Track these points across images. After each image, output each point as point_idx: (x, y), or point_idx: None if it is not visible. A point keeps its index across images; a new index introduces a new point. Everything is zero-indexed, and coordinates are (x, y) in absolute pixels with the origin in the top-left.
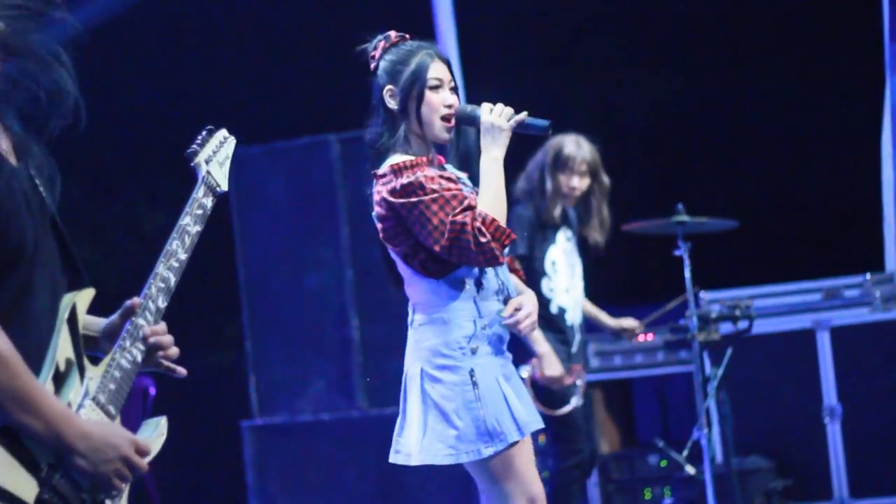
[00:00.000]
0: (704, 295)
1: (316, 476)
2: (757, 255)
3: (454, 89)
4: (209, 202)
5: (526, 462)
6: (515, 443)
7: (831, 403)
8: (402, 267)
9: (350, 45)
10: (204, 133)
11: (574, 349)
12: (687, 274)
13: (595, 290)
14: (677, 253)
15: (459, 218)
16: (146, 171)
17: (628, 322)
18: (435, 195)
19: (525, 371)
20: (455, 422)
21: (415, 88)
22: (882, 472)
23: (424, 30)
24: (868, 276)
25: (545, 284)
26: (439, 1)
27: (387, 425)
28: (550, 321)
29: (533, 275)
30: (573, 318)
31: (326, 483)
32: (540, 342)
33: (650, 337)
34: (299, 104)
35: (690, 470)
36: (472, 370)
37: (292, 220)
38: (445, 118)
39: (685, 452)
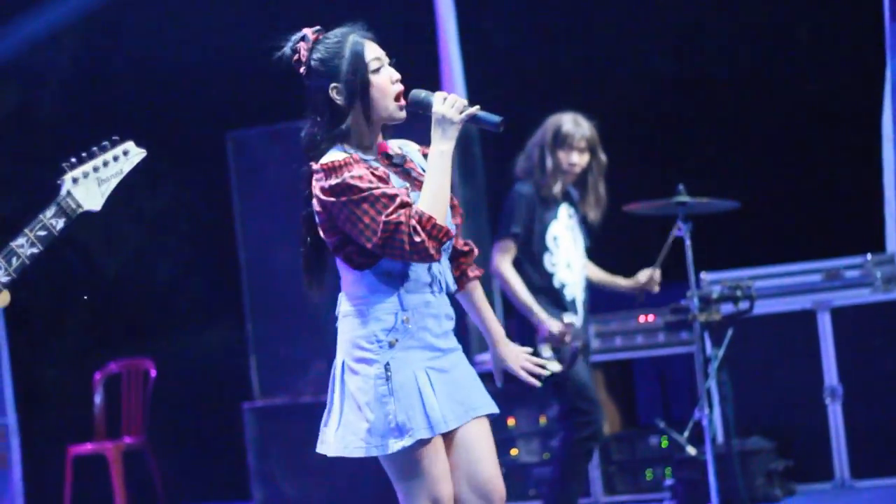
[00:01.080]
0: (705, 276)
1: (316, 457)
2: (758, 236)
3: (392, 63)
4: (60, 223)
5: (435, 461)
6: (428, 441)
7: (832, 384)
8: (334, 256)
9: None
10: (95, 148)
11: (577, 324)
12: (688, 254)
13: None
14: (678, 234)
15: (393, 217)
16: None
17: (643, 274)
18: (363, 194)
19: (545, 349)
20: (367, 415)
21: (358, 76)
22: (883, 453)
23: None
24: (869, 256)
25: (547, 259)
26: None
27: None
28: (551, 295)
29: (532, 251)
30: (573, 292)
31: (327, 465)
32: (536, 308)
33: (651, 318)
34: (300, 86)
35: (691, 451)
36: (387, 364)
37: (293, 202)
38: (398, 96)
39: (686, 433)
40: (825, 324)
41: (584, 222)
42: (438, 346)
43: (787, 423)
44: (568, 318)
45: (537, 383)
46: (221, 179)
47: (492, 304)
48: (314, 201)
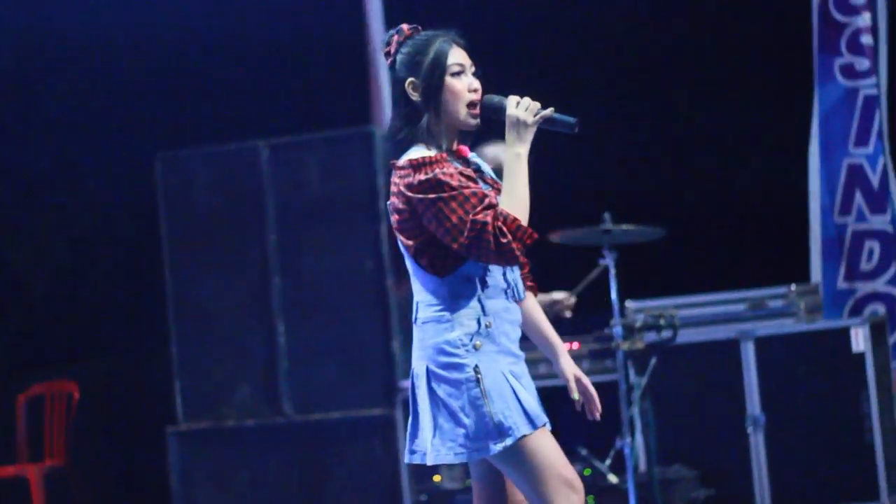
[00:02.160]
0: (630, 304)
1: (240, 482)
2: (683, 265)
3: (477, 74)
4: None
5: (548, 449)
6: (528, 435)
7: (755, 413)
8: (408, 261)
9: (283, 50)
10: None
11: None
12: (613, 283)
13: None
14: (602, 262)
15: (480, 217)
16: (76, 174)
17: (558, 294)
18: (454, 192)
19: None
20: (462, 419)
21: (435, 77)
22: (804, 482)
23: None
24: (793, 286)
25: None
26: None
27: (312, 432)
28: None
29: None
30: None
31: (251, 489)
32: None
33: (575, 346)
34: (229, 109)
35: (613, 479)
36: (476, 366)
37: (220, 226)
38: (471, 104)
39: (608, 461)
40: (749, 353)
41: None
42: (515, 352)
43: (710, 451)
44: None
45: (579, 399)
46: (150, 200)
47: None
48: (394, 199)
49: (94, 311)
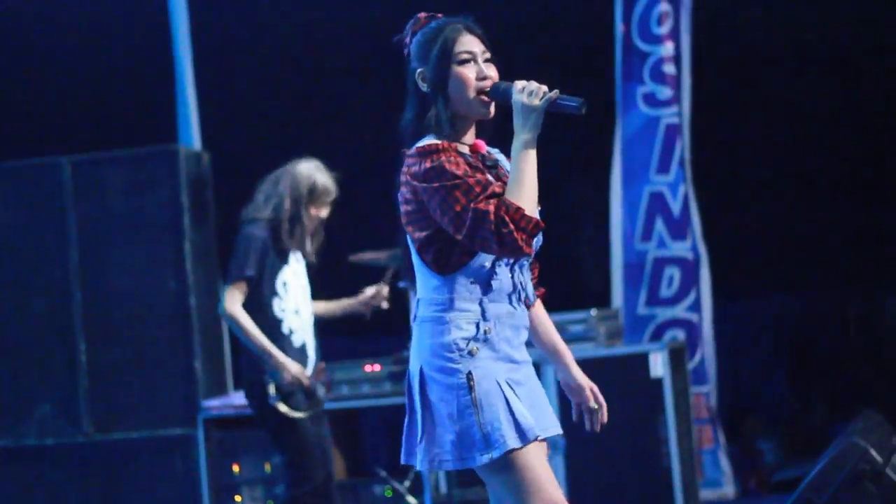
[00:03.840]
0: None
1: (39, 501)
2: None
3: (490, 61)
4: None
5: (537, 467)
6: (521, 449)
7: (554, 437)
8: (414, 257)
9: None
10: None
11: (308, 371)
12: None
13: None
14: (402, 285)
15: (482, 206)
16: None
17: (370, 289)
18: (457, 181)
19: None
20: (451, 426)
21: (442, 65)
22: None
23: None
24: (594, 311)
25: (276, 304)
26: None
27: (113, 451)
28: (279, 341)
29: (261, 295)
30: (302, 338)
31: None
32: (272, 349)
33: (376, 367)
34: (31, 124)
35: (412, 500)
36: (469, 373)
37: (21, 242)
38: (481, 92)
39: (408, 483)
40: (549, 376)
41: (307, 267)
42: (515, 359)
43: None
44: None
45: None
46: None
47: (221, 344)
48: (403, 189)
49: None
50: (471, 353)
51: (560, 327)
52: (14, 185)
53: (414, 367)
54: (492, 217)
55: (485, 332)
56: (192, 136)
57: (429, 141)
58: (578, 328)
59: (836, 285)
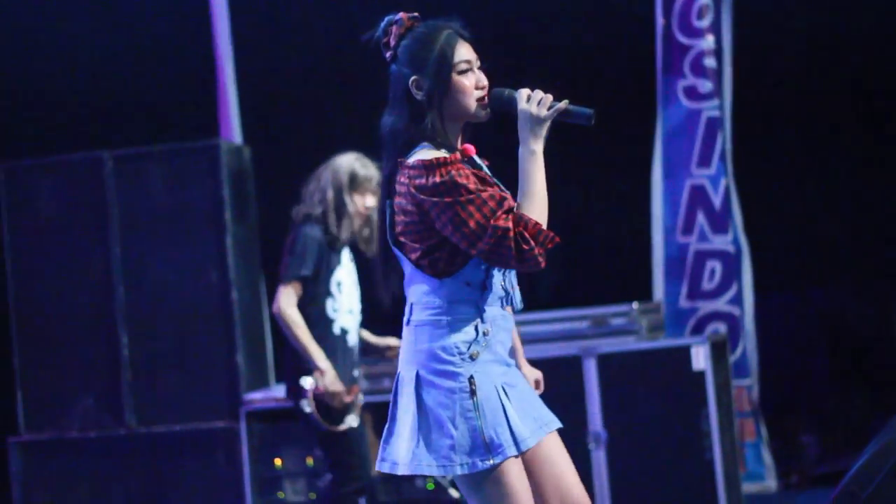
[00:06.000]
0: None
1: (82, 494)
2: (526, 282)
3: (482, 68)
4: None
5: (521, 478)
6: (512, 458)
7: (596, 430)
8: (405, 263)
9: (129, 61)
10: None
11: (356, 372)
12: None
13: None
14: None
15: (501, 223)
16: None
17: (394, 340)
18: (471, 196)
19: (307, 382)
20: (450, 431)
21: (442, 75)
22: (646, 499)
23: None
24: (635, 305)
25: (329, 305)
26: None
27: (155, 444)
28: (333, 342)
29: (317, 295)
30: (354, 339)
31: (93, 501)
32: (320, 357)
33: None
34: (74, 119)
35: (454, 493)
36: (471, 377)
37: (64, 236)
38: (480, 99)
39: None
40: (591, 370)
41: (365, 260)
42: (507, 361)
43: None
44: (353, 387)
45: None
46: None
47: (263, 337)
48: (400, 200)
49: None
50: (472, 357)
51: (602, 320)
52: (56, 180)
53: (407, 371)
54: (511, 234)
55: (484, 334)
56: (234, 130)
57: (430, 151)
58: (620, 321)
59: (877, 279)
